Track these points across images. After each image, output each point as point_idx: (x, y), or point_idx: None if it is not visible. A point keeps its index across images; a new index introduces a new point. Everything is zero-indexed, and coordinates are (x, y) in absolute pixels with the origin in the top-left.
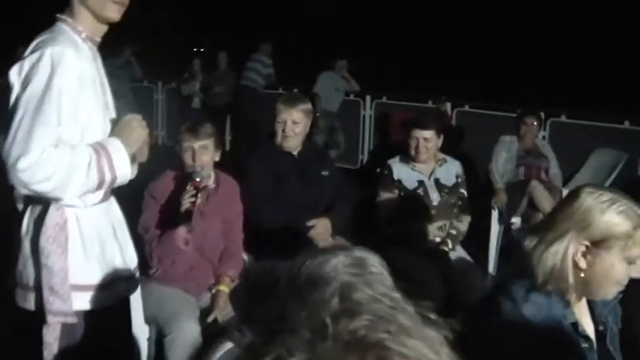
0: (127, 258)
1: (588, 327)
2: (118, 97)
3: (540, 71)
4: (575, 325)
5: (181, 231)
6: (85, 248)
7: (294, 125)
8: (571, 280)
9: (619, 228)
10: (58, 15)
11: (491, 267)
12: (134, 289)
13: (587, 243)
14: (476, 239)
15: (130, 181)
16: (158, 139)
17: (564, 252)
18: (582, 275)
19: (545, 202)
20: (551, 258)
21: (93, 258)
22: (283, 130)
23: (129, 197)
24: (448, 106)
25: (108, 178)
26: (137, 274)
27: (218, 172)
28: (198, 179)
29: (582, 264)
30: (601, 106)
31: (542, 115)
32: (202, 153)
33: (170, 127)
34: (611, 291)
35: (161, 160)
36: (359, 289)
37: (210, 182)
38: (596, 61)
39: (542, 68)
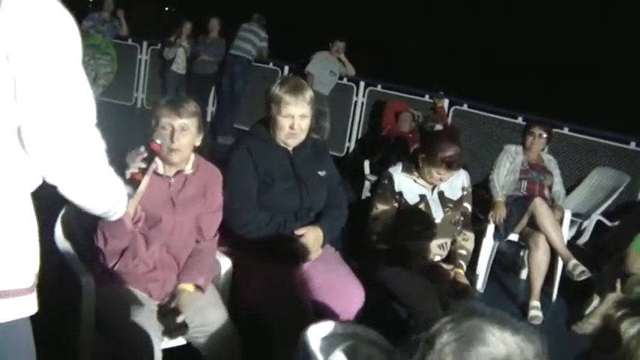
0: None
1: None
2: (101, 53)
3: (550, 79)
4: None
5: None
6: None
7: (302, 120)
8: None
9: None
10: None
11: (480, 285)
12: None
13: None
14: None
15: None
16: (137, 101)
17: None
18: None
19: (548, 222)
20: None
21: None
22: (291, 127)
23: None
24: (445, 102)
25: None
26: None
27: (199, 157)
28: (158, 141)
29: None
30: (607, 123)
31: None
32: (182, 134)
33: (151, 90)
34: None
35: (138, 124)
36: None
37: (188, 168)
38: (612, 76)
39: (554, 76)
